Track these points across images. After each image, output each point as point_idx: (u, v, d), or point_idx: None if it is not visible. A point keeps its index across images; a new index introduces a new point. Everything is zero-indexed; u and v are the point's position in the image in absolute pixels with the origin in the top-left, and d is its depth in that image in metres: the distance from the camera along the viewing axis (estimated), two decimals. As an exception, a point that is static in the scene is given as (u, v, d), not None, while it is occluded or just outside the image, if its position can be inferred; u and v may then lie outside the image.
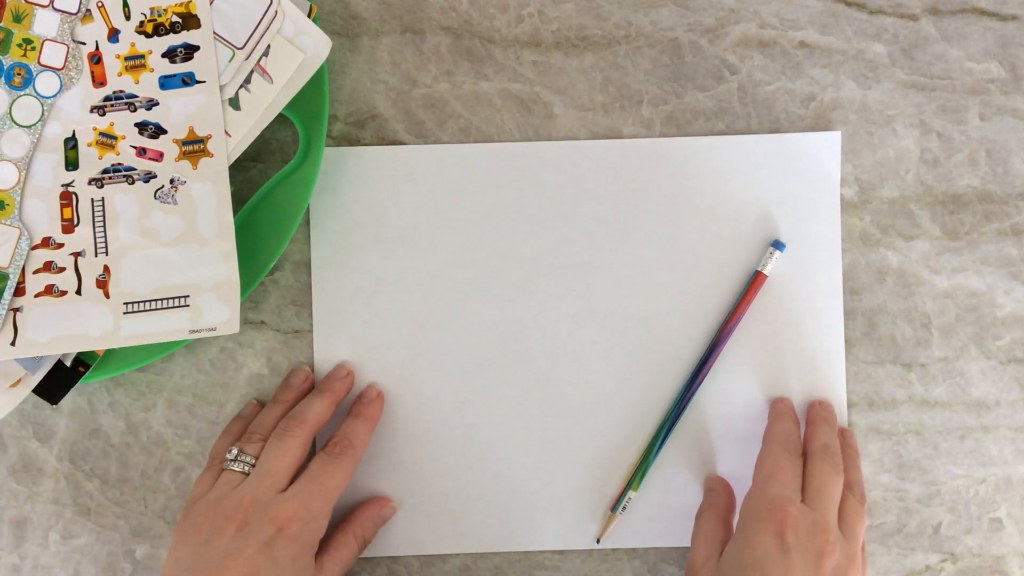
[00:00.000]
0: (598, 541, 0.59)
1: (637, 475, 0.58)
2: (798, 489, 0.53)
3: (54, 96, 0.54)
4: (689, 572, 0.54)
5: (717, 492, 0.58)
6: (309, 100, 0.57)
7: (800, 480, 0.54)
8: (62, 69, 0.54)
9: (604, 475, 0.59)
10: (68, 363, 0.56)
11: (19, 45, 0.54)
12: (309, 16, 0.56)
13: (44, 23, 0.54)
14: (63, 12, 0.54)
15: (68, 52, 0.54)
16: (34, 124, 0.54)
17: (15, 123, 0.54)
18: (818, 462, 0.54)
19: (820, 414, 0.57)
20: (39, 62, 0.54)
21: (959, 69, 0.60)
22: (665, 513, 0.59)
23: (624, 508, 0.58)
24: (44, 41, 0.54)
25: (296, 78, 0.55)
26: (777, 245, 0.58)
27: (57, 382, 0.56)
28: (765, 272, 0.58)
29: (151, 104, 0.55)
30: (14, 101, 0.54)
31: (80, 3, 0.54)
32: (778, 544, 0.51)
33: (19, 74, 0.54)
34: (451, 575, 0.59)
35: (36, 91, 0.54)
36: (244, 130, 0.55)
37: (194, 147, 0.55)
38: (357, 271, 0.59)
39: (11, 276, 0.53)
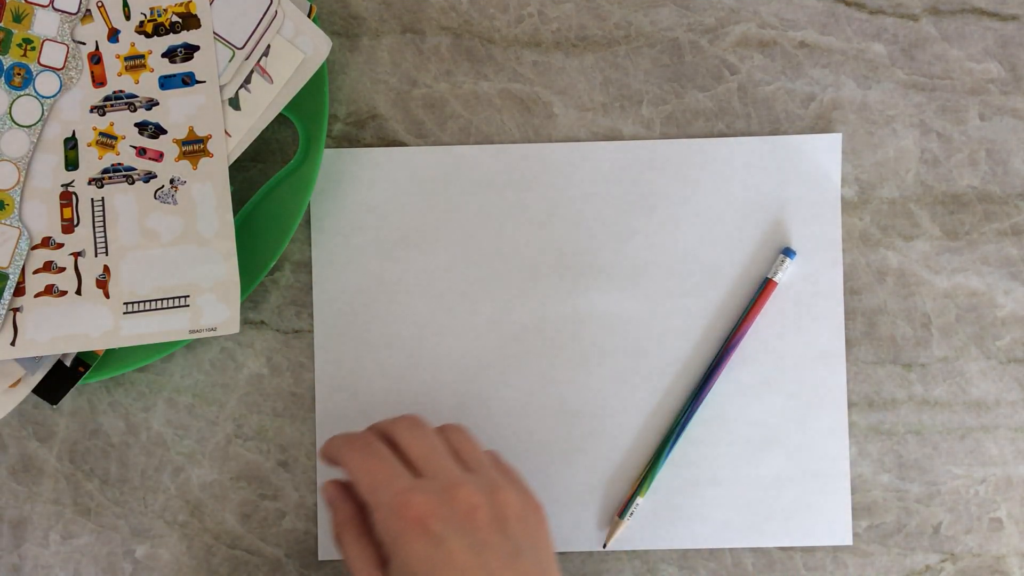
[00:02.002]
0: (605, 546, 0.59)
1: (646, 481, 0.58)
2: (404, 471, 0.49)
3: (54, 96, 0.54)
4: None
5: (339, 503, 0.52)
6: (309, 100, 0.57)
7: (398, 462, 0.50)
8: (62, 69, 0.54)
9: (607, 479, 0.59)
10: (68, 363, 0.56)
11: (19, 45, 0.54)
12: (309, 16, 0.56)
13: (44, 23, 0.54)
14: (63, 12, 0.54)
15: (68, 52, 0.54)
16: (34, 124, 0.54)
17: (15, 123, 0.54)
18: (395, 430, 0.51)
19: None
20: (39, 62, 0.54)
21: (959, 69, 0.60)
22: (667, 516, 0.59)
23: (632, 514, 0.58)
24: (44, 41, 0.54)
25: (296, 78, 0.55)
26: (788, 253, 0.58)
27: (57, 382, 0.56)
28: (776, 280, 0.58)
29: (151, 104, 0.55)
30: (14, 101, 0.54)
31: (80, 3, 0.54)
32: (429, 541, 0.46)
33: (19, 74, 0.54)
34: (451, 575, 0.59)
35: (36, 91, 0.54)
36: (244, 130, 0.55)
37: (194, 147, 0.55)
38: (357, 271, 0.59)
39: (11, 276, 0.53)
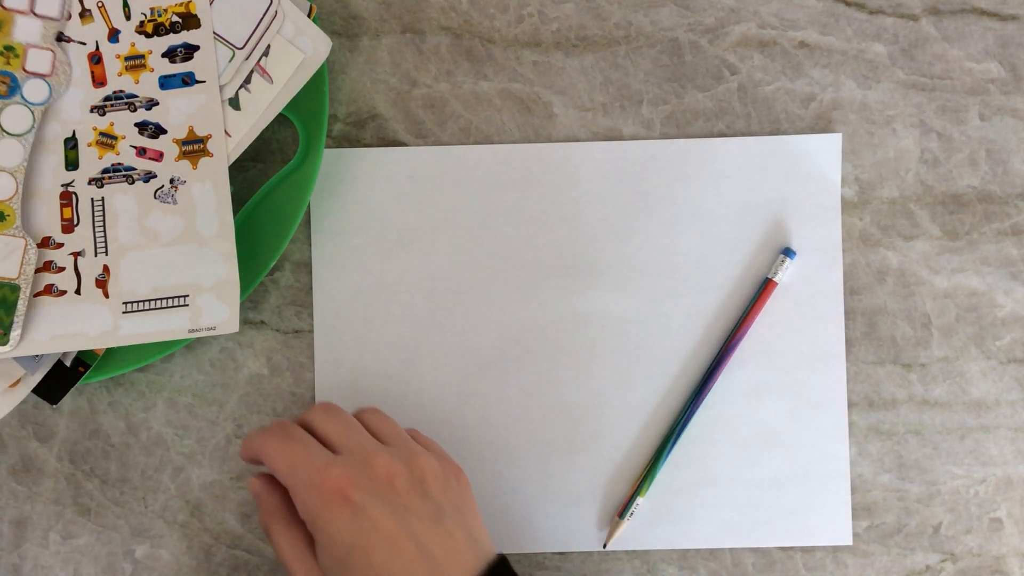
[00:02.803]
0: (605, 547, 0.59)
1: (646, 481, 0.58)
2: (321, 449, 0.49)
3: (44, 103, 0.54)
4: None
5: (266, 494, 0.52)
6: (309, 100, 0.57)
7: (315, 441, 0.50)
8: (50, 75, 0.54)
9: (607, 479, 0.59)
10: (68, 363, 0.56)
11: (1, 53, 0.53)
12: (309, 16, 0.56)
13: (25, 29, 0.53)
14: (45, 18, 0.54)
15: (55, 58, 0.53)
16: (26, 132, 0.53)
17: (6, 132, 0.53)
18: (310, 416, 0.51)
19: None
20: (24, 69, 0.53)
21: (959, 69, 0.60)
22: (667, 516, 0.59)
23: (632, 514, 0.58)
24: (28, 48, 0.53)
25: (296, 78, 0.55)
26: (788, 253, 0.58)
27: (57, 382, 0.56)
28: (776, 280, 0.58)
29: (151, 104, 0.55)
30: (2, 110, 0.53)
31: (62, 7, 0.54)
32: (351, 512, 0.46)
33: (4, 82, 0.53)
34: (451, 575, 0.59)
35: (24, 98, 0.53)
36: (244, 130, 0.55)
37: (194, 147, 0.55)
38: (357, 271, 0.59)
39: (22, 287, 0.53)
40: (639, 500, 0.58)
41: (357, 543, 0.46)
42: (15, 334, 0.53)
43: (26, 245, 0.53)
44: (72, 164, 0.54)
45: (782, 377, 0.59)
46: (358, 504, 0.46)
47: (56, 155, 0.54)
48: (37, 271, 0.54)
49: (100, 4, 0.54)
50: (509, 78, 0.60)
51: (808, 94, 0.60)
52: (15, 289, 0.53)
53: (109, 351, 0.56)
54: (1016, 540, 0.59)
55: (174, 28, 0.55)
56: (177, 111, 0.55)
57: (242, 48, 0.55)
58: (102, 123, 0.55)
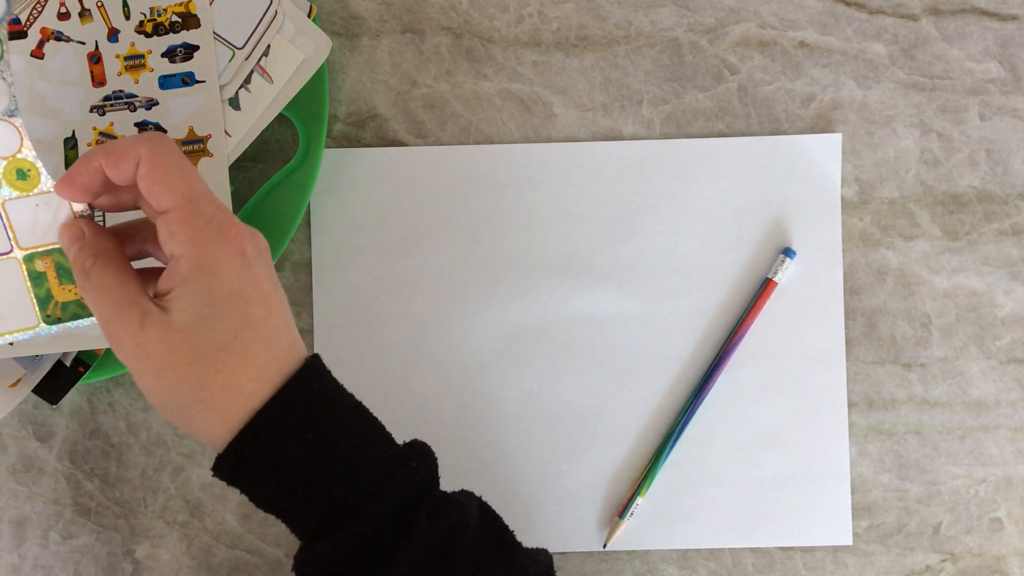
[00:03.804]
0: (605, 547, 0.59)
1: (646, 481, 0.58)
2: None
3: (2, 18, 0.52)
4: (116, 343, 0.46)
5: (92, 235, 0.48)
6: (309, 100, 0.57)
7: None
8: None
9: (607, 479, 0.59)
10: (68, 363, 0.55)
11: None
12: (309, 16, 0.56)
13: None
14: None
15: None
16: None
17: None
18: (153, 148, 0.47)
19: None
20: None
21: (959, 69, 0.60)
22: (667, 516, 0.59)
23: (632, 514, 0.58)
24: None
25: (296, 78, 0.55)
26: (788, 253, 0.58)
27: (57, 382, 0.56)
28: (776, 280, 0.58)
29: (151, 104, 0.55)
30: None
31: (5, 9, 0.53)
32: (244, 264, 0.46)
33: None
34: (451, 575, 0.59)
35: None
36: (244, 130, 0.55)
37: (194, 147, 0.55)
38: (357, 271, 0.59)
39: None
40: (639, 500, 0.58)
41: (242, 292, 0.45)
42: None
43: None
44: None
45: (782, 377, 0.59)
46: (249, 259, 0.46)
47: (56, 155, 0.54)
48: (37, 271, 0.54)
49: (100, 4, 0.54)
50: (509, 78, 0.60)
51: (808, 94, 0.60)
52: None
53: (109, 351, 0.56)
54: (1016, 540, 0.59)
55: (174, 28, 0.55)
56: (177, 111, 0.55)
57: (242, 48, 0.55)
58: (102, 123, 0.55)
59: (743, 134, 0.59)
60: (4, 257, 0.53)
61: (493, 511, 0.51)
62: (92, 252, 0.47)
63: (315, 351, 0.59)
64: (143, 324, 0.45)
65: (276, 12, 0.55)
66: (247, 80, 0.55)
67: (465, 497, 0.50)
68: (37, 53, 0.54)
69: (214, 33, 0.55)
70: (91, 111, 0.54)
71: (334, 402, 0.48)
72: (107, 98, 0.55)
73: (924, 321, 0.59)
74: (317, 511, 0.46)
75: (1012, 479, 0.59)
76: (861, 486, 0.59)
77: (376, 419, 0.49)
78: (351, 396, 0.49)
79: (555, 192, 0.59)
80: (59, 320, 0.53)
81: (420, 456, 0.49)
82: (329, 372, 0.49)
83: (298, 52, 0.55)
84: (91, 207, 0.50)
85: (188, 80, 0.55)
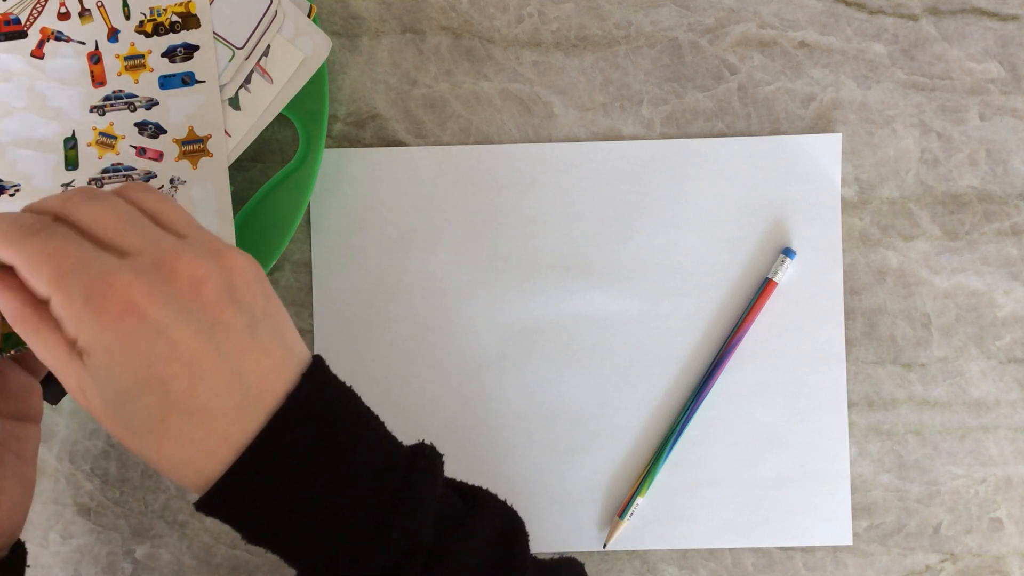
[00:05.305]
0: (605, 547, 0.59)
1: (646, 481, 0.58)
2: (98, 251, 0.39)
3: None
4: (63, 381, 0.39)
5: (7, 292, 0.39)
6: (309, 100, 0.57)
7: (88, 243, 0.39)
8: None
9: (607, 479, 0.59)
10: (68, 363, 0.55)
11: None
12: (309, 16, 0.56)
13: None
14: None
15: None
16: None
17: None
18: (68, 206, 0.40)
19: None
20: None
21: (959, 69, 0.60)
22: (667, 516, 0.59)
23: (632, 514, 0.58)
24: None
25: (296, 78, 0.55)
26: (788, 253, 0.58)
27: (57, 382, 0.56)
28: (776, 280, 0.58)
29: (151, 104, 0.55)
30: None
31: None
32: (145, 332, 0.37)
33: None
34: (451, 575, 0.59)
35: None
36: (244, 130, 0.55)
37: (194, 147, 0.55)
38: (357, 271, 0.59)
39: None
40: (639, 500, 0.58)
41: (153, 372, 0.37)
42: None
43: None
44: (72, 164, 0.54)
45: (782, 377, 0.59)
46: (155, 322, 0.37)
47: (56, 155, 0.54)
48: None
49: (100, 4, 0.54)
50: (509, 78, 0.60)
51: (808, 94, 0.60)
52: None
53: (109, 351, 0.56)
54: (1016, 540, 0.59)
55: (174, 28, 0.55)
56: (177, 111, 0.55)
57: (242, 48, 0.55)
58: (102, 123, 0.55)
59: (743, 134, 0.59)
60: None
61: (512, 529, 0.45)
62: (11, 309, 0.40)
63: (315, 351, 0.59)
64: (80, 381, 0.39)
65: (276, 12, 0.55)
66: (247, 80, 0.55)
67: (476, 520, 0.43)
68: (37, 53, 0.54)
69: (214, 33, 0.55)
70: (91, 111, 0.55)
71: (311, 453, 0.39)
72: (107, 98, 0.55)
73: (924, 321, 0.59)
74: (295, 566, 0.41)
75: (1012, 479, 0.59)
76: (861, 486, 0.59)
77: (364, 458, 0.41)
78: (336, 435, 0.41)
79: (555, 192, 0.59)
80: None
81: (416, 487, 0.42)
82: (315, 404, 0.41)
83: (298, 52, 0.55)
84: None
85: (188, 80, 0.55)
